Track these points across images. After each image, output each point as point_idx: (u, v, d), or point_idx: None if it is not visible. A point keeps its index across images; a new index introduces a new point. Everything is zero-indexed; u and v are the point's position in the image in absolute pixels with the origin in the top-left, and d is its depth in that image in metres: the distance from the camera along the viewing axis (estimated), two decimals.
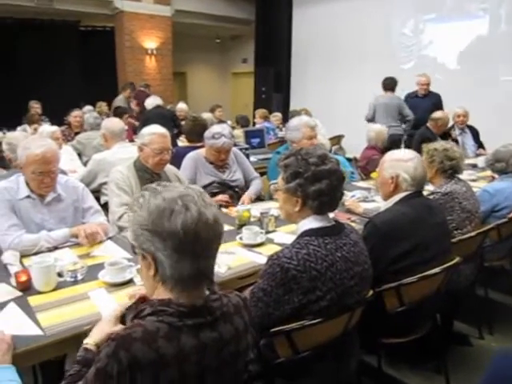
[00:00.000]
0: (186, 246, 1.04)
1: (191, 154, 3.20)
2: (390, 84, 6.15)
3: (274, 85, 10.61)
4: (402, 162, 2.09)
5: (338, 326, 1.64)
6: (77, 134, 5.51)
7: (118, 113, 6.84)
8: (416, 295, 1.98)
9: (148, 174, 2.71)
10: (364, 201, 3.16)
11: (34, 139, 2.36)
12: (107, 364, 0.98)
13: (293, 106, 9.67)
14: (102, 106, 8.10)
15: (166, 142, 2.69)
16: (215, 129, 3.07)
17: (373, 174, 3.51)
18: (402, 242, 1.95)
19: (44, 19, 9.90)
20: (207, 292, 1.14)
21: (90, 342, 1.25)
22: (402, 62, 8.39)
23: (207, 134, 3.07)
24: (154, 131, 2.70)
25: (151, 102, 6.38)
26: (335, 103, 8.87)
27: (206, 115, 5.70)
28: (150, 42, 10.16)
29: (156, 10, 10.09)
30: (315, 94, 9.62)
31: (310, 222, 1.65)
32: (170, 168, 2.86)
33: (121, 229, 2.53)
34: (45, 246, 2.15)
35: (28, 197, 2.25)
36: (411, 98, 6.23)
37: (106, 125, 3.51)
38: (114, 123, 3.54)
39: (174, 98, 10.56)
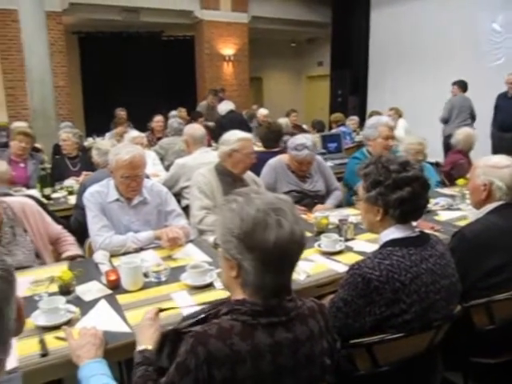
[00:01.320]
0: (275, 261, 1.09)
1: (273, 162, 3.21)
2: (463, 85, 6.72)
3: (350, 88, 10.45)
4: (497, 168, 1.94)
5: (422, 342, 1.57)
6: (159, 139, 5.77)
7: (194, 117, 7.10)
8: (508, 313, 1.83)
9: (230, 178, 2.78)
10: (448, 209, 3.00)
11: (123, 145, 2.51)
12: (186, 359, 1.05)
13: (370, 109, 9.43)
14: (182, 111, 8.41)
15: (252, 146, 2.83)
16: (299, 140, 3.03)
17: (459, 181, 3.32)
18: (494, 255, 1.82)
19: (130, 31, 10.54)
20: None
21: (141, 348, 1.33)
22: (490, 60, 7.89)
23: (290, 144, 3.06)
24: (243, 136, 2.79)
25: (224, 108, 6.51)
26: (415, 105, 8.52)
27: (283, 120, 5.73)
28: (228, 49, 10.43)
29: (234, 17, 10.34)
30: (393, 97, 9.31)
31: (393, 232, 1.59)
32: (248, 173, 2.91)
33: (201, 232, 2.61)
34: (131, 247, 2.28)
35: (117, 200, 2.40)
36: (501, 99, 5.87)
37: (188, 131, 3.64)
38: (196, 129, 3.66)
39: (249, 103, 10.73)
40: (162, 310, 1.49)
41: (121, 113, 8.19)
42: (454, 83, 6.84)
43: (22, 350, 1.41)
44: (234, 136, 2.78)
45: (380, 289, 1.46)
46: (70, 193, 3.73)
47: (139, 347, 1.34)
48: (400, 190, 1.54)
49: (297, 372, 1.13)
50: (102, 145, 3.38)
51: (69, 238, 2.46)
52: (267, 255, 1.07)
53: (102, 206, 2.36)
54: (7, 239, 2.15)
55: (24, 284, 1.85)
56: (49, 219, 2.41)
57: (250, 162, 2.78)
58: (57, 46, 8.49)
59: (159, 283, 1.92)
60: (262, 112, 7.93)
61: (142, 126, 7.04)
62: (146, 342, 1.34)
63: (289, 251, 1.10)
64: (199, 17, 10.04)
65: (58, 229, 2.45)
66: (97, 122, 9.14)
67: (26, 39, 7.02)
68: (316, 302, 1.26)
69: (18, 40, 8.09)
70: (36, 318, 1.57)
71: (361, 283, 1.48)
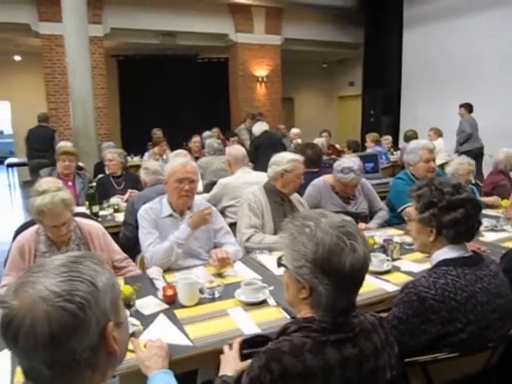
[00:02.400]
0: (349, 284, 1.16)
1: (317, 182, 3.26)
2: (470, 107, 7.48)
3: (382, 107, 10.45)
4: None
5: (477, 362, 1.57)
6: (196, 158, 5.91)
7: (227, 137, 7.31)
8: None
9: (279, 198, 2.86)
10: (493, 230, 2.98)
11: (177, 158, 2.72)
12: (260, 374, 1.11)
13: (402, 129, 9.41)
14: (215, 131, 8.57)
15: (302, 167, 2.91)
16: (345, 163, 3.05)
17: (503, 202, 3.29)
18: None
19: (167, 54, 10.88)
20: None
21: (221, 374, 1.38)
22: None
23: (336, 166, 3.09)
24: (294, 158, 2.87)
25: (259, 129, 6.60)
26: (449, 125, 8.47)
27: (318, 140, 5.81)
28: (261, 70, 10.64)
29: (267, 39, 10.57)
30: (427, 116, 9.26)
31: (446, 252, 1.62)
32: (294, 194, 2.98)
33: (247, 250, 2.67)
34: (178, 252, 2.36)
35: (170, 215, 2.51)
36: None
37: (231, 152, 3.75)
38: (238, 150, 3.76)
39: (282, 123, 10.87)
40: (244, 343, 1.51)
41: (157, 132, 8.43)
42: (461, 105, 7.53)
43: None
44: (285, 157, 2.87)
45: (435, 307, 1.49)
46: (116, 210, 3.87)
47: (220, 373, 1.39)
48: (454, 212, 1.58)
49: None
50: (150, 164, 3.52)
51: (133, 269, 2.51)
52: (342, 279, 1.13)
53: (155, 222, 2.47)
54: None
55: None
56: (114, 245, 2.49)
57: (299, 183, 2.85)
58: (97, 68, 8.86)
59: (213, 299, 1.98)
60: (294, 131, 8.05)
61: (177, 145, 7.22)
62: (227, 371, 1.39)
63: (361, 273, 1.17)
64: (234, 40, 10.31)
65: (123, 256, 2.51)
66: (133, 142, 9.44)
67: (70, 63, 7.38)
68: (376, 316, 1.31)
69: (61, 63, 8.54)
70: None
71: (416, 302, 1.51)
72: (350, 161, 3.09)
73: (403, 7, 10.02)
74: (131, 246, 2.95)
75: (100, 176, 4.95)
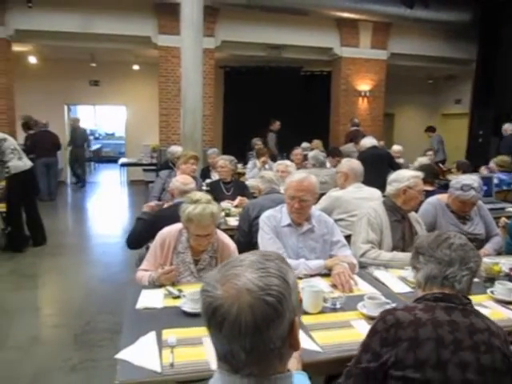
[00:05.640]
0: (428, 252, 1.50)
1: (432, 200, 3.22)
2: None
3: (492, 128, 9.81)
4: None
5: None
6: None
7: (332, 153, 7.30)
8: None
9: (399, 215, 2.87)
10: None
11: (298, 172, 2.79)
12: (376, 324, 1.41)
13: None
14: (317, 144, 8.61)
15: (422, 184, 2.94)
16: (465, 180, 3.00)
17: None
18: None
19: (271, 66, 11.17)
20: None
21: None
22: None
23: (455, 183, 3.04)
24: (416, 174, 2.90)
25: (368, 143, 6.51)
26: None
27: (424, 159, 5.64)
28: (364, 85, 10.52)
29: (372, 54, 10.44)
30: None
31: None
32: (412, 213, 2.97)
33: (361, 265, 2.69)
34: (302, 273, 2.43)
35: (289, 225, 2.61)
36: None
37: (350, 165, 3.73)
38: (358, 165, 3.75)
39: (381, 139, 10.64)
40: None
41: (258, 143, 8.66)
42: (426, 130, 9.20)
43: None
44: (407, 173, 2.90)
45: None
46: (227, 215, 4.07)
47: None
48: None
49: (477, 353, 1.30)
50: (266, 173, 3.68)
51: None
52: (423, 250, 1.53)
53: (276, 230, 2.58)
54: (202, 266, 2.42)
55: None
56: None
57: (420, 200, 2.89)
58: (207, 79, 9.32)
59: (334, 309, 2.04)
60: (395, 149, 7.86)
61: (278, 155, 7.39)
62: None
63: (438, 247, 1.49)
64: (338, 53, 10.32)
65: None
66: (233, 150, 9.78)
67: (184, 73, 7.87)
68: (495, 323, 1.42)
69: (175, 73, 9.15)
70: None
71: None
72: (470, 178, 3.04)
73: None
74: (242, 251, 3.10)
75: (210, 181, 5.22)
